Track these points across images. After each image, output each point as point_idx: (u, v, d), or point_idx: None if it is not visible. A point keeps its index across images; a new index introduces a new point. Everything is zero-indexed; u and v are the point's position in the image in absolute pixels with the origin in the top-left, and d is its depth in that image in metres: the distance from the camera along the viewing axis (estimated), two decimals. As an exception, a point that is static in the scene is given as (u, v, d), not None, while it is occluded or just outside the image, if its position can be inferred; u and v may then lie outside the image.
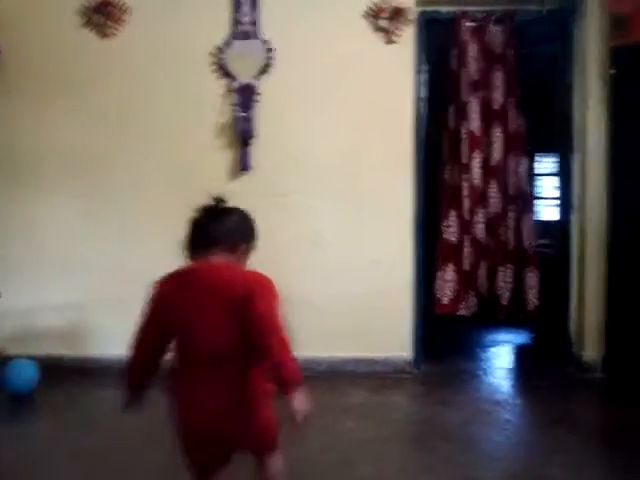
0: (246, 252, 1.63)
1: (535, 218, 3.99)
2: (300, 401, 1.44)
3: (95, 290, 3.69)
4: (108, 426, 2.78)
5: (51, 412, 3.11)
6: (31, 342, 3.65)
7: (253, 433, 1.52)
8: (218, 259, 1.54)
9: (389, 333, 3.69)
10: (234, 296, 1.45)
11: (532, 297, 3.78)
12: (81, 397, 3.27)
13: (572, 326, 3.78)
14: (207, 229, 1.57)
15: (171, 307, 1.51)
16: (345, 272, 3.70)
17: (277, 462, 1.59)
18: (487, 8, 3.79)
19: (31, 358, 3.32)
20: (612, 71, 3.59)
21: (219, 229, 1.57)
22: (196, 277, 1.54)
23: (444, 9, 3.80)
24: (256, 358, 1.47)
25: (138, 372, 1.56)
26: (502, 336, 4.73)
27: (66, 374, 3.46)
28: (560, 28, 3.86)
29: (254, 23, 3.71)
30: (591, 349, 3.68)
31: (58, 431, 2.82)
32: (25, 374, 3.23)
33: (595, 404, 3.38)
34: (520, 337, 4.67)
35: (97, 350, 3.68)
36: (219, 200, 1.62)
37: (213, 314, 1.46)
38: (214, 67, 3.73)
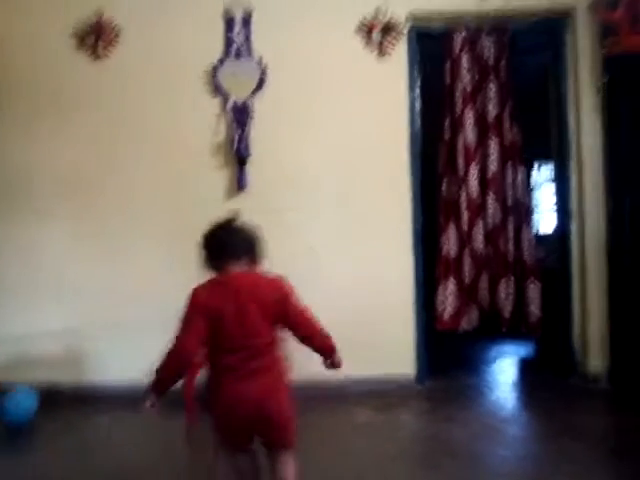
0: (259, 261, 1.86)
1: (534, 228, 3.96)
2: (340, 358, 1.88)
3: (89, 314, 3.65)
4: (107, 453, 2.74)
5: (49, 440, 3.04)
6: (27, 369, 3.59)
7: (282, 419, 1.74)
8: (242, 269, 1.78)
9: (392, 350, 3.65)
10: (269, 297, 1.75)
11: (534, 309, 3.75)
12: (79, 424, 3.22)
13: (575, 337, 3.75)
14: (230, 243, 1.80)
15: (214, 311, 1.69)
16: (344, 289, 3.66)
17: (293, 461, 1.79)
18: (477, 20, 3.80)
19: (27, 385, 3.26)
20: (605, 79, 3.60)
21: (241, 243, 1.81)
22: (233, 284, 1.75)
23: (435, 23, 3.81)
24: (278, 346, 1.78)
25: (173, 377, 1.73)
26: (505, 349, 4.69)
27: (63, 401, 3.41)
28: (551, 38, 3.88)
29: (247, 41, 3.72)
30: (595, 360, 3.64)
31: (57, 459, 2.75)
32: (24, 404, 3.17)
33: (601, 414, 3.32)
34: (523, 349, 4.62)
35: (94, 376, 3.62)
36: (235, 216, 1.83)
37: (252, 314, 1.71)
38: (208, 86, 3.73)
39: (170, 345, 1.70)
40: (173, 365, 1.70)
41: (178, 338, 1.69)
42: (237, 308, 1.71)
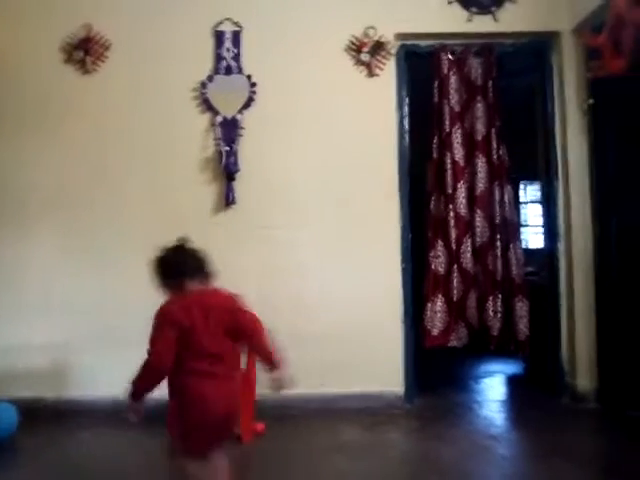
0: (210, 279, 2.05)
1: (522, 246, 3.97)
2: (286, 372, 1.95)
3: (76, 329, 3.59)
4: (90, 469, 2.69)
5: (32, 456, 2.98)
6: (10, 384, 3.50)
7: (236, 421, 2.01)
8: (197, 286, 1.97)
9: (380, 367, 3.62)
10: (226, 310, 1.95)
11: (523, 327, 3.74)
12: (62, 440, 3.15)
13: (564, 355, 3.75)
14: (184, 264, 1.99)
15: (184, 324, 1.86)
16: (332, 305, 3.65)
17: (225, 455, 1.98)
18: (465, 41, 3.86)
19: (10, 400, 3.19)
20: (590, 101, 3.66)
21: (193, 263, 2.00)
22: (196, 299, 1.94)
23: (423, 43, 3.86)
24: (238, 355, 2.03)
25: (151, 384, 1.85)
26: (494, 367, 4.68)
27: (46, 416, 3.34)
28: (538, 59, 3.94)
29: (237, 58, 3.73)
30: (584, 379, 3.64)
31: (38, 475, 2.71)
32: (4, 419, 3.11)
33: (590, 434, 3.32)
34: (512, 367, 4.62)
35: (78, 391, 3.55)
36: (185, 240, 2.04)
37: (214, 325, 1.90)
38: (197, 102, 3.73)
39: (147, 357, 1.83)
40: (150, 375, 1.85)
41: (154, 350, 1.84)
42: (202, 320, 1.88)
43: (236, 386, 1.99)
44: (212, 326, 1.89)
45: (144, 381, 1.85)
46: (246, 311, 1.98)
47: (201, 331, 1.87)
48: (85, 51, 3.68)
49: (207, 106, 3.72)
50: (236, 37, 3.74)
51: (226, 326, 1.92)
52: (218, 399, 1.86)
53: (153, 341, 1.85)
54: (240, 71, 3.73)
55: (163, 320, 1.87)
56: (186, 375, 1.87)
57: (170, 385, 1.91)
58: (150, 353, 1.84)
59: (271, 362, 1.93)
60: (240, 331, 1.95)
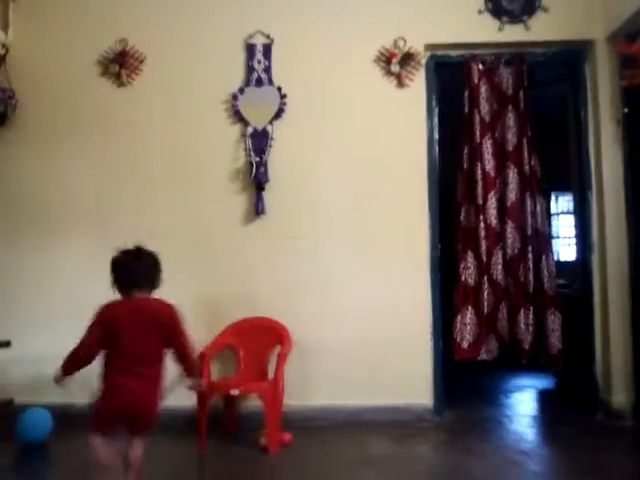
0: (157, 287, 2.27)
1: (554, 258, 3.90)
2: (200, 380, 2.48)
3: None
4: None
5: (65, 461, 3.03)
6: (42, 390, 3.57)
7: (153, 413, 2.20)
8: (143, 294, 2.23)
9: (409, 379, 3.59)
10: (161, 318, 2.21)
11: (555, 340, 3.66)
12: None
13: (598, 370, 3.65)
14: (136, 275, 2.23)
15: (116, 324, 2.15)
16: (361, 317, 3.64)
17: (142, 443, 2.24)
18: (496, 51, 3.83)
19: (43, 407, 3.28)
20: (625, 110, 3.58)
21: (144, 275, 2.23)
22: (134, 306, 2.21)
23: (453, 52, 3.85)
24: (163, 360, 2.23)
25: (76, 367, 2.18)
26: (525, 381, 4.59)
27: (78, 422, 3.37)
28: (570, 69, 3.89)
29: (267, 70, 3.78)
30: (620, 394, 3.54)
31: (72, 477, 2.76)
32: (38, 425, 3.21)
33: (626, 452, 3.21)
34: (544, 382, 4.52)
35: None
36: (138, 249, 2.28)
37: (145, 329, 2.17)
38: (228, 113, 3.78)
39: (76, 345, 2.16)
40: (74, 360, 2.17)
41: (81, 341, 2.16)
42: (132, 324, 2.15)
43: (153, 386, 2.19)
44: (142, 330, 2.16)
45: (70, 364, 2.18)
46: (180, 323, 2.23)
47: (129, 334, 2.14)
48: (120, 65, 3.78)
49: (238, 117, 3.77)
50: (267, 49, 3.79)
51: (158, 332, 2.18)
52: (129, 393, 2.14)
53: (84, 333, 2.17)
54: (271, 83, 3.77)
55: (96, 318, 2.18)
56: (111, 370, 2.16)
57: (101, 376, 2.19)
58: (78, 343, 2.16)
59: (193, 372, 2.26)
60: (171, 340, 2.21)
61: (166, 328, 2.20)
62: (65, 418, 3.26)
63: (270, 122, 3.75)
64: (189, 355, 2.25)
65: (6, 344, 3.62)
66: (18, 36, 3.89)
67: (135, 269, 2.23)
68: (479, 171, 3.76)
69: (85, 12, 3.87)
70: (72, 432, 3.22)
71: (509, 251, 3.76)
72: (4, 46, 3.85)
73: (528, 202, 3.76)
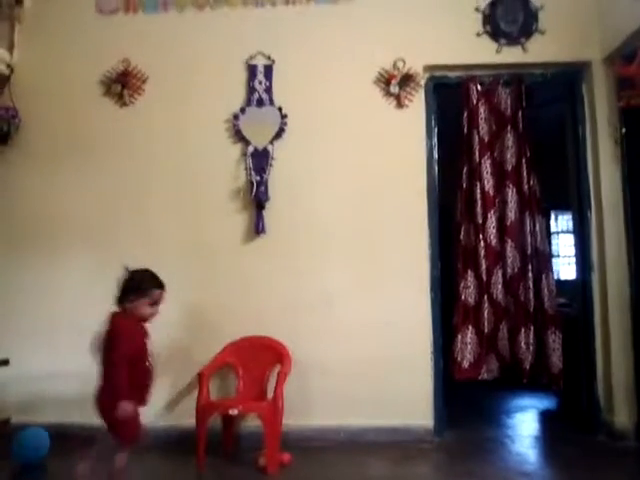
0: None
1: (554, 277, 3.90)
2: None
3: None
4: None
5: (63, 478, 2.98)
6: (40, 409, 3.56)
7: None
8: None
9: (410, 399, 3.56)
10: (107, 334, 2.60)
11: (556, 359, 3.65)
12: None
13: (600, 390, 3.63)
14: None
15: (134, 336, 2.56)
16: (361, 336, 3.62)
17: (125, 458, 2.43)
18: (494, 72, 3.88)
19: (40, 426, 3.26)
20: (622, 131, 3.62)
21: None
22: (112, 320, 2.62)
23: (452, 74, 3.89)
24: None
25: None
26: (526, 401, 4.55)
27: (76, 442, 3.35)
28: (567, 90, 3.93)
29: (268, 90, 3.82)
30: (622, 415, 3.51)
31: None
32: (36, 444, 3.19)
33: (629, 474, 3.17)
34: (545, 402, 4.48)
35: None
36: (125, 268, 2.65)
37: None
38: (230, 133, 3.81)
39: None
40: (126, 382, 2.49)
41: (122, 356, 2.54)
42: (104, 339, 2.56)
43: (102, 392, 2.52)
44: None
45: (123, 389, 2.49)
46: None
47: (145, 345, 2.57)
48: (123, 85, 3.83)
49: (239, 137, 3.80)
50: (268, 70, 3.83)
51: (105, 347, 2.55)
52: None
53: None
54: (272, 103, 3.81)
55: (122, 333, 2.59)
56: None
57: None
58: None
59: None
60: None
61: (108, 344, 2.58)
62: (63, 437, 3.24)
63: (271, 142, 3.78)
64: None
65: (4, 362, 3.61)
66: (22, 56, 3.95)
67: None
68: (478, 190, 3.79)
69: (88, 33, 3.94)
70: (69, 451, 3.22)
71: (509, 270, 3.76)
72: (9, 66, 3.91)
73: (528, 221, 3.77)
